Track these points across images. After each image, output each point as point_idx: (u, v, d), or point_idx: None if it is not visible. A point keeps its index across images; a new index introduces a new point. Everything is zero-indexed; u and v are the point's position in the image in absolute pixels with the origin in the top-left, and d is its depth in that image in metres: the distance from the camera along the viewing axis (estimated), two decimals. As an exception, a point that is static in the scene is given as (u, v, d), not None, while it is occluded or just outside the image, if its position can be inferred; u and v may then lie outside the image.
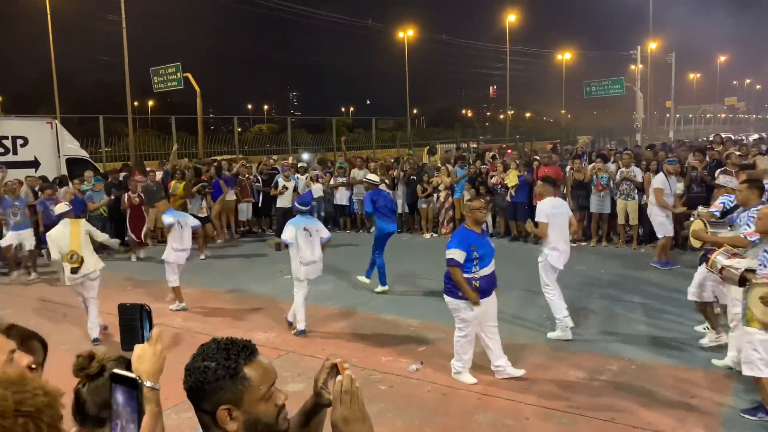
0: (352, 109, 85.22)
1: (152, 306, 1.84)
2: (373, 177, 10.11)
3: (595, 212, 11.90)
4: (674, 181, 10.27)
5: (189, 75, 22.22)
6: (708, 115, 66.27)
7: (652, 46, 43.13)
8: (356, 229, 14.61)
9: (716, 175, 8.99)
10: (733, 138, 32.90)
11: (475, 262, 5.44)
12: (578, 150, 18.98)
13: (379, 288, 8.93)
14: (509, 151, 21.40)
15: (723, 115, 68.08)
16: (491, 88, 58.38)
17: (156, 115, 48.75)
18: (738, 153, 11.06)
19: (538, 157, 14.13)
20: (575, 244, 11.98)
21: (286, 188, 13.56)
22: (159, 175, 13.53)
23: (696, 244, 6.00)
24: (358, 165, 14.94)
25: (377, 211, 9.21)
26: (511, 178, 12.69)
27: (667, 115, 49.63)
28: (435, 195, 13.66)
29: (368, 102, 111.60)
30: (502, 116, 56.88)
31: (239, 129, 30.36)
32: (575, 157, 13.88)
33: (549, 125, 64.19)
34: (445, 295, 5.65)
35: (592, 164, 12.34)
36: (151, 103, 56.04)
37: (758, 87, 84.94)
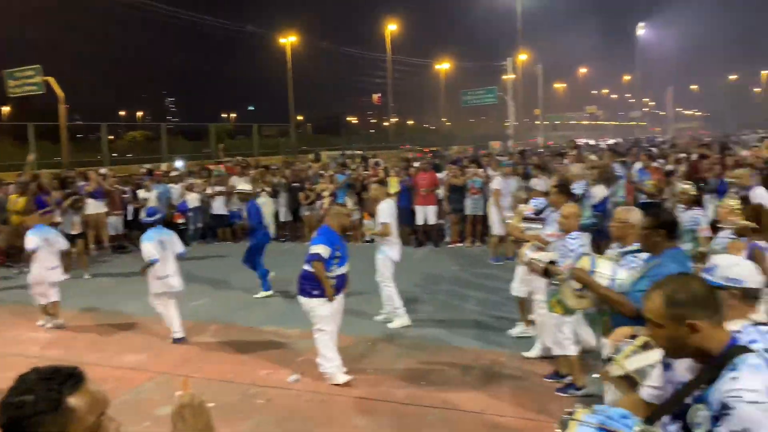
0: (233, 115, 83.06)
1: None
2: (245, 186, 9.90)
3: (469, 214, 12.51)
4: (512, 182, 11.09)
5: (51, 79, 20.55)
6: (572, 122, 71.82)
7: (522, 57, 46.06)
8: (236, 239, 14.17)
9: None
10: (591, 143, 35.83)
11: (335, 261, 5.60)
12: (453, 156, 19.82)
13: (261, 293, 8.85)
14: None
15: (585, 122, 74.14)
16: (375, 95, 59.39)
17: (11, 122, 44.50)
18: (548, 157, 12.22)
19: (416, 164, 14.56)
20: (453, 246, 12.58)
21: (146, 200, 12.88)
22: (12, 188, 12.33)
23: (512, 238, 6.65)
24: (237, 173, 14.56)
25: (253, 221, 9.09)
26: (392, 185, 12.95)
27: (536, 122, 53.15)
28: (319, 202, 13.62)
29: (251, 108, 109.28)
30: (386, 123, 58.07)
31: (111, 137, 28.55)
32: (451, 162, 14.47)
33: (430, 132, 66.43)
34: (299, 297, 5.72)
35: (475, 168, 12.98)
36: (6, 109, 51.04)
37: (614, 96, 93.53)
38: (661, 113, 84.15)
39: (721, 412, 1.81)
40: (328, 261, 5.55)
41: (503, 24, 49.37)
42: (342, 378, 5.62)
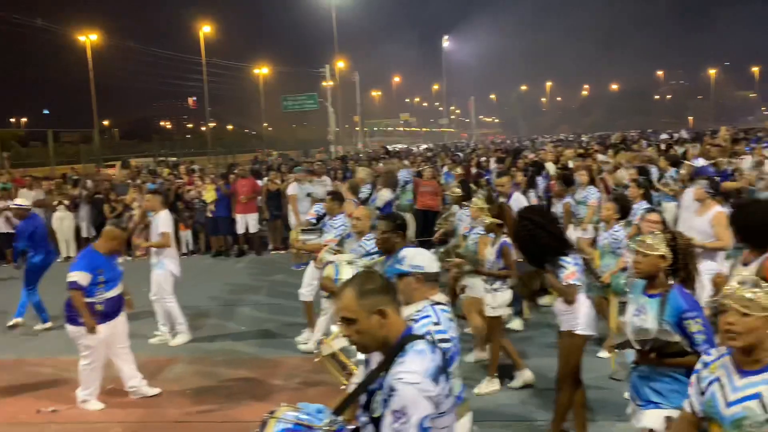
0: (24, 119, 73.62)
1: None
2: (23, 201, 8.72)
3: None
4: (308, 187, 11.39)
5: None
6: (389, 128, 75.33)
7: (340, 65, 47.17)
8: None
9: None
10: (407, 148, 37.87)
11: (100, 286, 5.28)
12: (273, 163, 19.70)
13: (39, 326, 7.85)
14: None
15: (401, 129, 78.25)
16: (190, 99, 56.65)
17: None
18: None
19: (236, 171, 14.18)
20: (277, 253, 12.47)
21: None
22: None
23: (293, 250, 6.75)
24: (27, 185, 12.95)
25: (32, 242, 7.98)
26: (209, 193, 12.46)
27: (356, 129, 54.81)
28: (128, 214, 12.60)
29: (46, 112, 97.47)
30: (203, 128, 55.68)
31: None
32: (269, 168, 14.33)
33: (251, 138, 65.20)
34: (66, 324, 5.37)
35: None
36: None
37: (425, 104, 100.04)
38: (466, 120, 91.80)
39: (389, 395, 1.99)
40: (91, 287, 5.22)
41: (321, 31, 50.19)
42: (95, 406, 5.37)
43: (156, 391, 5.59)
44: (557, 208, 8.19)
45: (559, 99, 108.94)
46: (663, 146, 16.02)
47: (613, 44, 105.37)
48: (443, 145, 41.85)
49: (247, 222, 12.32)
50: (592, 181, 8.55)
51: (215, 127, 60.08)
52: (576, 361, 4.29)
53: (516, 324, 6.73)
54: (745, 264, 3.91)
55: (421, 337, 2.17)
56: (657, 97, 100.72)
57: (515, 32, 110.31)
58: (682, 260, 3.23)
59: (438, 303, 2.82)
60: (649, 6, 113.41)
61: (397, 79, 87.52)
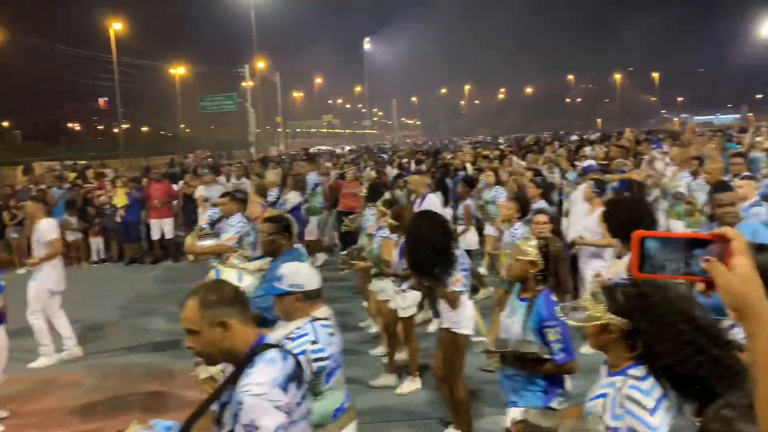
0: None
1: None
2: None
3: (210, 226, 12.12)
4: (217, 189, 11.05)
5: None
6: (312, 130, 74.84)
7: (260, 65, 46.36)
8: None
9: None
10: (331, 149, 37.78)
11: None
12: (189, 165, 19.08)
13: None
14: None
15: (324, 130, 77.90)
16: (101, 99, 53.80)
17: None
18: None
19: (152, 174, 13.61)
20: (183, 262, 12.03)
21: None
22: None
23: (191, 257, 6.54)
24: None
25: None
26: (119, 198, 11.88)
27: (278, 130, 54.08)
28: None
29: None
30: (116, 130, 53.12)
31: None
32: (185, 171, 13.86)
33: (168, 139, 62.82)
34: None
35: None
36: None
37: (348, 106, 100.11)
38: (388, 122, 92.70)
39: (237, 408, 1.96)
40: None
41: (241, 31, 49.12)
42: None
43: (4, 414, 5.29)
44: (461, 209, 8.43)
45: (477, 102, 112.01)
46: (573, 147, 16.76)
47: (527, 49, 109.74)
48: (366, 146, 42.01)
49: (162, 227, 11.85)
50: (498, 182, 8.85)
51: (129, 128, 57.40)
52: (460, 360, 4.40)
53: (434, 328, 6.84)
54: (619, 257, 4.11)
55: (274, 345, 2.12)
56: (568, 100, 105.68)
57: (435, 36, 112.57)
58: (553, 267, 3.30)
59: (319, 319, 2.82)
60: (560, 13, 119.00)
61: (319, 80, 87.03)
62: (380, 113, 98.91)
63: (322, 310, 2.89)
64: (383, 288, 5.79)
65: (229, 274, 4.08)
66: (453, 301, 4.32)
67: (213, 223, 6.46)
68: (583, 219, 6.23)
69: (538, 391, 3.19)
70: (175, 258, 11.96)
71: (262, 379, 1.96)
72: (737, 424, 1.45)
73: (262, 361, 2.02)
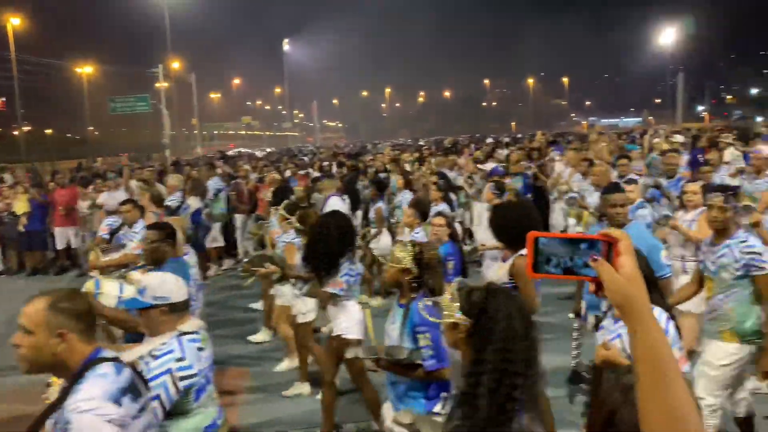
0: None
1: None
2: None
3: (121, 233, 11.56)
4: (120, 194, 10.66)
5: None
6: (231, 132, 73.14)
7: (175, 65, 44.75)
8: None
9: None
10: (250, 151, 37.04)
11: None
12: (98, 169, 18.16)
13: None
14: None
15: (243, 132, 76.27)
16: (-1, 100, 50.09)
17: None
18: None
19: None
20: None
21: None
22: None
23: (96, 273, 6.34)
24: None
25: None
26: (20, 204, 11.11)
27: (195, 132, 52.41)
28: None
29: None
30: (16, 132, 49.64)
31: None
32: (95, 176, 13.18)
33: (75, 142, 59.45)
34: None
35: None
36: None
37: (268, 107, 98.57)
38: (310, 124, 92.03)
39: (65, 428, 1.89)
40: None
41: (154, 30, 47.23)
42: None
43: None
44: (372, 212, 8.49)
45: (398, 105, 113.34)
46: (489, 149, 17.27)
47: (445, 54, 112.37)
48: (287, 149, 41.50)
49: (68, 236, 11.18)
50: (407, 185, 8.97)
51: (31, 131, 53.83)
52: (350, 363, 4.42)
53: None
54: (504, 260, 4.25)
55: (109, 359, 2.06)
56: (484, 104, 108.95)
57: (356, 38, 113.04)
58: (427, 273, 3.35)
59: (186, 333, 2.69)
60: (476, 19, 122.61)
61: (237, 81, 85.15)
62: (301, 115, 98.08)
63: (190, 324, 2.75)
64: (284, 293, 5.75)
65: (109, 285, 3.84)
66: (323, 301, 4.41)
67: (113, 233, 6.15)
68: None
69: (420, 398, 3.18)
70: (81, 268, 11.33)
71: (91, 394, 1.90)
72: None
73: (93, 376, 1.96)
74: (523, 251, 4.03)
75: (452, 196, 8.44)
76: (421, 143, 34.49)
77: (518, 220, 4.13)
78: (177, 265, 4.00)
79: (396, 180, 9.15)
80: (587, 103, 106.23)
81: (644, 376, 1.13)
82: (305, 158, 22.58)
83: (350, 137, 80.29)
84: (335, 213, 4.98)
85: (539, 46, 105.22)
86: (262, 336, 7.05)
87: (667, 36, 39.53)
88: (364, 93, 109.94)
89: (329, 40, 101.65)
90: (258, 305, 7.76)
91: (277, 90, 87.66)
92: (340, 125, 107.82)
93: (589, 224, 6.75)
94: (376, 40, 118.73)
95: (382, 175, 11.67)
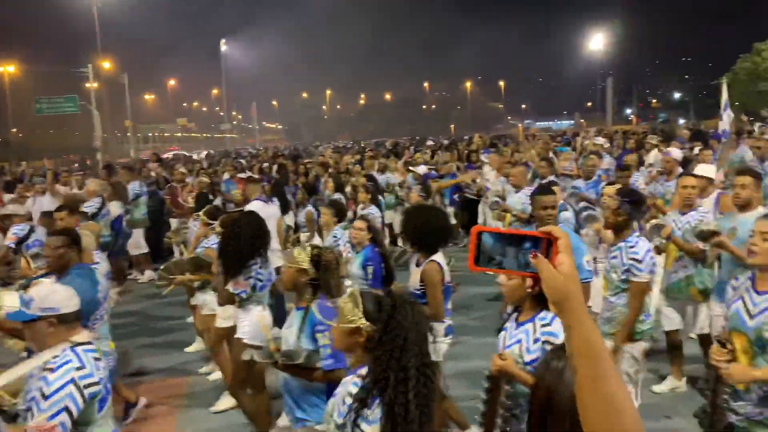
0: None
1: None
2: None
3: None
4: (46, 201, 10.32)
5: None
6: (166, 134, 71.00)
7: (106, 65, 43.11)
8: None
9: None
10: (187, 154, 36.15)
11: None
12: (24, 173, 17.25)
13: None
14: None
15: (179, 134, 74.21)
16: None
17: None
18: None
19: None
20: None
21: None
22: None
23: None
24: None
25: None
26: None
27: (128, 134, 50.64)
28: None
29: None
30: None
31: None
32: (18, 181, 12.53)
33: (-3, 145, 56.24)
34: None
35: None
36: None
37: (204, 109, 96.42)
38: (249, 126, 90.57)
39: None
40: None
41: (83, 29, 45.32)
42: None
43: None
44: (301, 216, 8.42)
45: (339, 107, 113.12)
46: (429, 151, 17.47)
47: (385, 56, 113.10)
48: (225, 151, 40.65)
49: (-11, 243, 10.56)
50: (338, 189, 8.94)
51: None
52: (243, 368, 4.30)
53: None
54: (417, 265, 4.24)
55: None
56: (424, 106, 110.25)
57: (295, 40, 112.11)
58: (323, 275, 3.35)
59: (80, 344, 2.62)
60: (414, 22, 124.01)
61: (173, 82, 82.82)
62: (239, 117, 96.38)
63: (83, 335, 2.67)
64: (206, 300, 5.61)
65: (9, 297, 3.67)
66: (223, 300, 4.48)
67: (20, 241, 5.91)
68: None
69: (320, 405, 3.14)
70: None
71: None
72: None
73: None
74: (436, 256, 4.08)
75: (381, 198, 8.52)
76: (363, 145, 34.54)
77: (425, 225, 4.13)
78: (82, 271, 3.89)
79: (325, 184, 9.13)
80: (523, 106, 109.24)
81: (582, 369, 1.15)
82: (242, 161, 22.18)
83: (291, 139, 79.50)
84: (249, 214, 4.89)
85: (477, 50, 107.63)
86: (196, 345, 6.88)
87: (597, 42, 41.15)
88: (305, 95, 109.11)
89: (269, 41, 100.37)
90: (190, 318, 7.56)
91: (215, 91, 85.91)
92: (280, 127, 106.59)
93: (513, 226, 6.90)
94: (316, 42, 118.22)
95: (323, 177, 11.62)
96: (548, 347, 2.48)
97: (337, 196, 8.45)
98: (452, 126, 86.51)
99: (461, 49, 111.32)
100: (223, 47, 69.84)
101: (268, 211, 7.01)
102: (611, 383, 1.14)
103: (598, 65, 49.37)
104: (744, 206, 4.58)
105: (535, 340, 2.68)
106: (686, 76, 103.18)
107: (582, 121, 51.90)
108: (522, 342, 2.73)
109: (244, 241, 4.35)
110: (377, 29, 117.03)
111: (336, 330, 2.39)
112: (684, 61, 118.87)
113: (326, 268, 3.34)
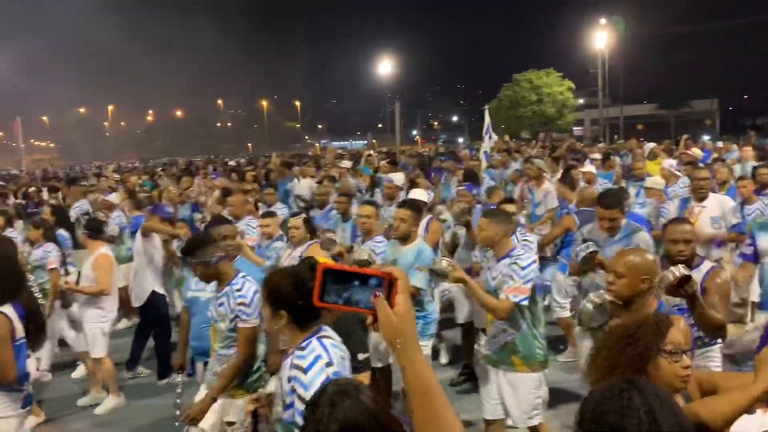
0: None
1: None
2: None
3: None
4: None
5: None
6: None
7: None
8: None
9: None
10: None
11: None
12: None
13: None
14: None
15: None
16: None
17: None
18: None
19: None
20: None
21: None
22: None
23: None
24: None
25: None
26: None
27: None
28: None
29: None
30: None
31: None
32: None
33: None
34: None
35: None
36: None
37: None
38: (12, 144, 79.03)
39: None
40: None
41: None
42: None
43: None
44: None
45: (123, 124, 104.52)
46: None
47: (175, 71, 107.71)
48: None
49: None
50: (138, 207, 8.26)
51: None
52: None
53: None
54: None
55: None
56: (219, 124, 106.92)
57: (69, 49, 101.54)
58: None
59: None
60: (205, 38, 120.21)
61: None
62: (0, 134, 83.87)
63: None
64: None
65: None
66: None
67: None
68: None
69: None
70: None
71: None
72: None
73: None
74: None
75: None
76: (150, 164, 32.25)
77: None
78: None
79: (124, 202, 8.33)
80: (319, 126, 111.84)
81: (417, 405, 1.20)
82: (2, 183, 19.35)
83: (67, 159, 71.30)
84: (7, 237, 4.67)
85: (272, 69, 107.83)
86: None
87: (385, 67, 43.71)
88: (82, 110, 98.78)
89: (35, 50, 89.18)
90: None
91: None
92: (51, 145, 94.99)
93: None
94: (94, 54, 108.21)
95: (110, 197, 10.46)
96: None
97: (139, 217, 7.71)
98: (249, 144, 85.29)
99: (256, 68, 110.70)
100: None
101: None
102: (445, 414, 1.20)
103: (387, 89, 52.44)
104: (403, 239, 4.68)
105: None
106: (461, 102, 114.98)
107: (374, 141, 54.69)
108: (285, 383, 2.50)
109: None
110: (165, 44, 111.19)
111: None
112: (459, 87, 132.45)
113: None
